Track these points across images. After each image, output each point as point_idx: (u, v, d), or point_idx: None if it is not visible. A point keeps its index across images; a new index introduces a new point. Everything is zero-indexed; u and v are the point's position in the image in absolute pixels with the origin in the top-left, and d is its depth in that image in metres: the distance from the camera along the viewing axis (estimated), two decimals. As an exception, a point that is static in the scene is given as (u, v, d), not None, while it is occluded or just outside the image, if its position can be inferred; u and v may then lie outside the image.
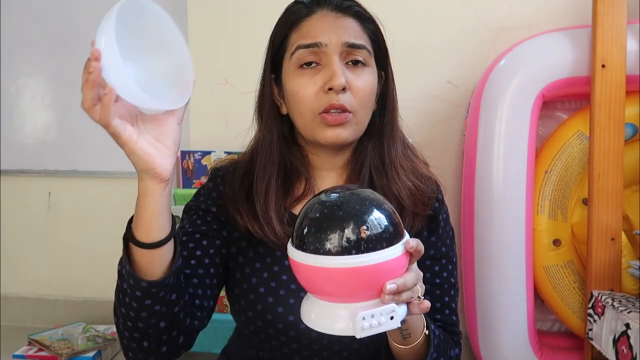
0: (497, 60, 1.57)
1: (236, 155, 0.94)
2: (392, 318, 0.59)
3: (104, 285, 2.08)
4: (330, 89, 0.78)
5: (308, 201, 0.62)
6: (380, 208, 0.59)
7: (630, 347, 1.19)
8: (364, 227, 0.57)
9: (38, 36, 2.07)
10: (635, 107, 1.49)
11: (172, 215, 0.71)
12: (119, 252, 0.71)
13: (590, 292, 1.43)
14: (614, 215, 1.44)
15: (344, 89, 0.78)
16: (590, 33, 1.47)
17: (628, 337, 1.20)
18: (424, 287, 0.66)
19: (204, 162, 1.89)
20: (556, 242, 1.55)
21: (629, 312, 1.23)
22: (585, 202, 1.54)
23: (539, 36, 1.54)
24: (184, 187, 1.92)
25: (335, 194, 0.60)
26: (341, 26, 0.81)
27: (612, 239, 1.45)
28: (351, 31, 0.81)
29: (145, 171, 0.65)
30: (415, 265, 0.63)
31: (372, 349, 0.85)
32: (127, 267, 0.69)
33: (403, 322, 0.70)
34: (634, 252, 1.48)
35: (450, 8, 1.80)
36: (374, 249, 0.57)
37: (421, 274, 0.65)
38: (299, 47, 0.80)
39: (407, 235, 0.61)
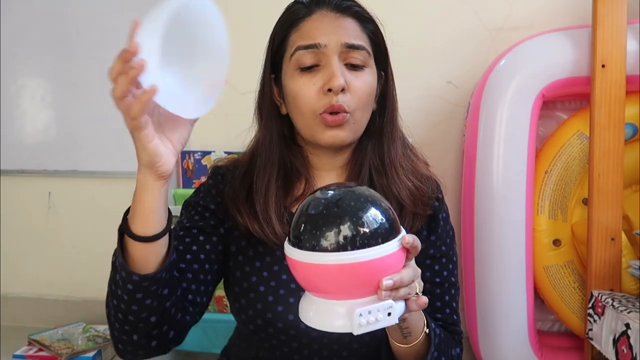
0: (497, 60, 1.57)
1: (236, 155, 0.94)
2: (389, 314, 0.59)
3: (104, 285, 2.04)
4: (329, 89, 0.78)
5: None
6: (375, 204, 0.59)
7: (630, 347, 1.19)
8: (359, 223, 0.57)
9: (38, 36, 2.07)
10: (635, 107, 1.49)
11: (169, 209, 0.71)
12: (118, 251, 0.71)
13: (590, 292, 1.43)
14: (614, 215, 1.44)
15: (343, 90, 0.78)
16: (590, 33, 1.46)
17: (628, 337, 1.20)
18: (422, 283, 0.66)
19: (204, 162, 1.89)
20: (556, 242, 1.55)
21: (629, 312, 1.23)
22: (585, 202, 1.54)
23: (539, 36, 1.54)
24: (184, 187, 1.92)
25: (330, 191, 0.60)
26: (340, 26, 0.81)
27: (612, 239, 1.45)
28: (350, 31, 0.81)
29: (148, 167, 0.65)
30: (413, 262, 0.63)
31: (373, 348, 0.85)
32: (120, 259, 0.69)
33: (403, 321, 0.71)
34: (634, 252, 1.48)
35: (450, 8, 1.80)
36: (369, 245, 0.57)
37: (419, 270, 0.65)
38: (298, 48, 0.80)
39: (403, 231, 0.61)
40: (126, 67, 0.58)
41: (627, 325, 1.21)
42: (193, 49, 0.65)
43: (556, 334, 1.72)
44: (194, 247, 0.83)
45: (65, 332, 1.95)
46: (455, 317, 0.90)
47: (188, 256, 0.82)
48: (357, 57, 0.81)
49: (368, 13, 0.85)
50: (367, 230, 0.57)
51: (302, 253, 0.58)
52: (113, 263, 0.72)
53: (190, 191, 1.75)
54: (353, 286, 0.58)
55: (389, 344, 0.78)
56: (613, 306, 1.29)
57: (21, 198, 2.17)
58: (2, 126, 2.12)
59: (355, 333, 0.58)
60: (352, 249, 0.56)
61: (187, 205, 0.89)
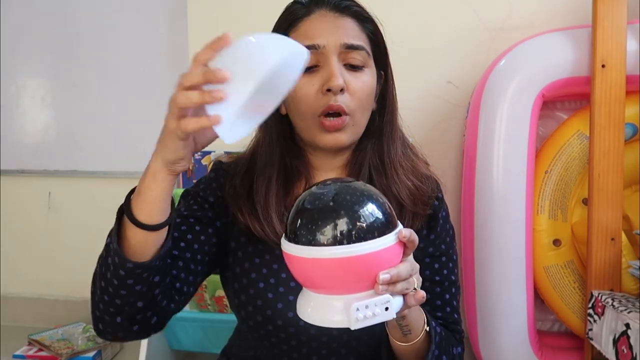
0: (497, 60, 1.57)
1: (237, 154, 0.94)
2: (387, 309, 0.58)
3: (104, 285, 2.08)
4: (328, 90, 0.78)
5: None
6: (371, 199, 0.59)
7: (630, 347, 1.19)
8: (355, 217, 0.57)
9: (38, 36, 2.08)
10: (635, 107, 1.49)
11: (172, 199, 0.71)
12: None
13: (590, 292, 1.43)
14: (614, 215, 1.44)
15: (342, 90, 0.78)
16: (590, 33, 1.46)
17: (628, 337, 1.20)
18: (420, 279, 0.66)
19: (204, 162, 1.89)
20: (556, 242, 1.55)
21: (629, 312, 1.23)
22: (585, 202, 1.54)
23: (539, 36, 1.54)
24: (184, 187, 1.92)
25: (326, 186, 0.60)
26: (339, 26, 0.81)
27: (612, 239, 1.45)
28: (349, 31, 0.81)
29: (167, 164, 0.66)
30: (411, 256, 0.63)
31: (372, 347, 0.85)
32: (114, 244, 0.68)
33: (402, 318, 0.70)
34: (634, 252, 1.48)
35: (450, 8, 1.80)
36: (365, 239, 0.57)
37: (417, 265, 0.64)
38: (297, 48, 0.80)
39: (400, 226, 0.61)
40: (204, 87, 0.58)
41: (627, 325, 1.21)
42: (267, 90, 0.63)
43: (556, 334, 1.72)
44: (189, 236, 0.83)
45: (65, 332, 1.95)
46: (456, 315, 0.90)
47: (182, 244, 0.81)
48: (356, 58, 0.80)
49: (367, 13, 0.85)
50: (363, 224, 0.57)
51: (298, 248, 0.58)
52: (107, 245, 0.70)
53: (190, 191, 1.75)
54: (350, 281, 0.58)
55: (389, 342, 0.78)
56: (613, 306, 1.29)
57: (21, 198, 2.17)
58: (2, 126, 2.12)
59: (352, 328, 0.58)
60: (349, 243, 0.56)
61: (187, 194, 0.89)
